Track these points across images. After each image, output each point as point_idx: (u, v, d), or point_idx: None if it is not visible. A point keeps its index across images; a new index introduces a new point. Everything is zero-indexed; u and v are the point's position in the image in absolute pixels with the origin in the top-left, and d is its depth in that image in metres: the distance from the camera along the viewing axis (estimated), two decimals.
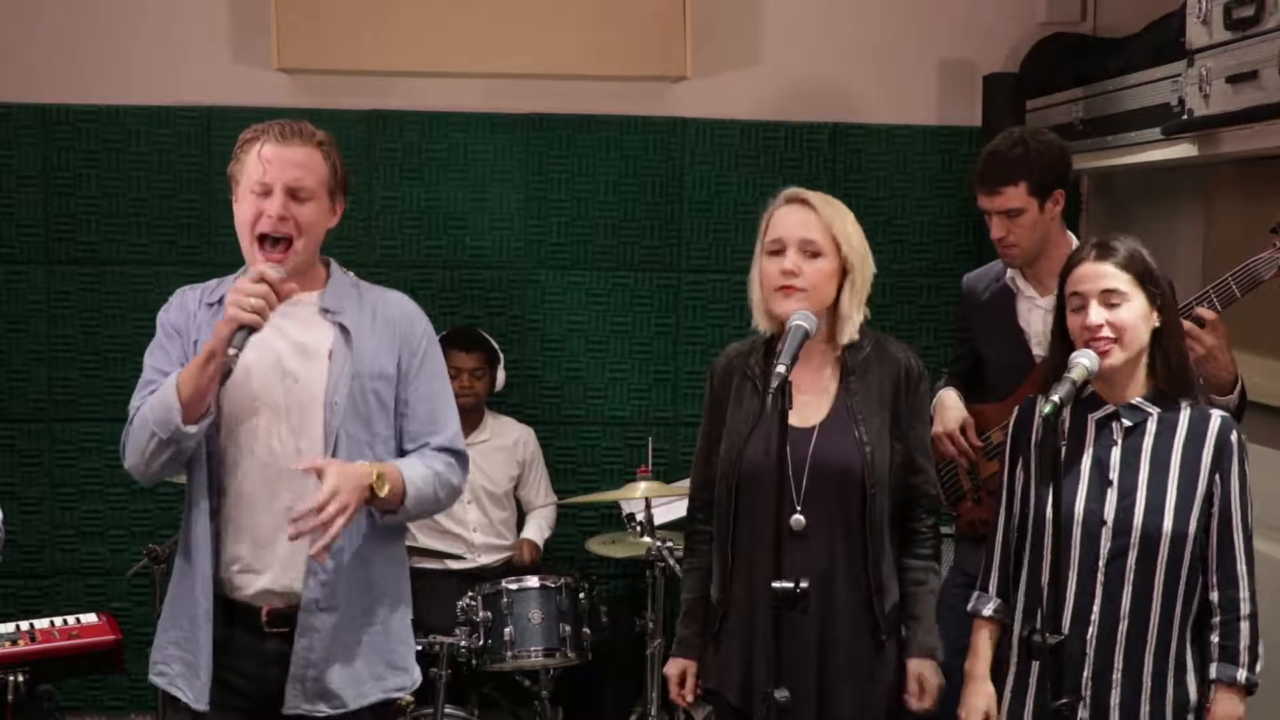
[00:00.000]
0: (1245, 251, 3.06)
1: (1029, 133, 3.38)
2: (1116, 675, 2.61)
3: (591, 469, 4.86)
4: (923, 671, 2.75)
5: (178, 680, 2.68)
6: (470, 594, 4.05)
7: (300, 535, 2.54)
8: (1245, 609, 2.60)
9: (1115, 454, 2.64)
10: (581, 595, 4.09)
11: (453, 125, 4.77)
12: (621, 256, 4.84)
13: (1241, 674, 2.59)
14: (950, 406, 3.47)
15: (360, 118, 4.72)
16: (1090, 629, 2.61)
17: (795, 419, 2.67)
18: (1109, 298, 2.60)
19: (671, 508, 4.36)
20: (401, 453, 2.77)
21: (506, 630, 3.98)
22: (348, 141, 4.70)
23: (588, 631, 4.07)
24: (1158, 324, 2.63)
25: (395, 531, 2.81)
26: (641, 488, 4.18)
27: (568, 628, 4.02)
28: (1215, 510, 2.61)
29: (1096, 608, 2.61)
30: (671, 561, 3.98)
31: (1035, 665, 2.67)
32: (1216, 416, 2.65)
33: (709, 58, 4.73)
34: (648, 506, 4.18)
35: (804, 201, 2.78)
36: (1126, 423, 2.65)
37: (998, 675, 2.77)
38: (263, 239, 2.63)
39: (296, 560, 2.63)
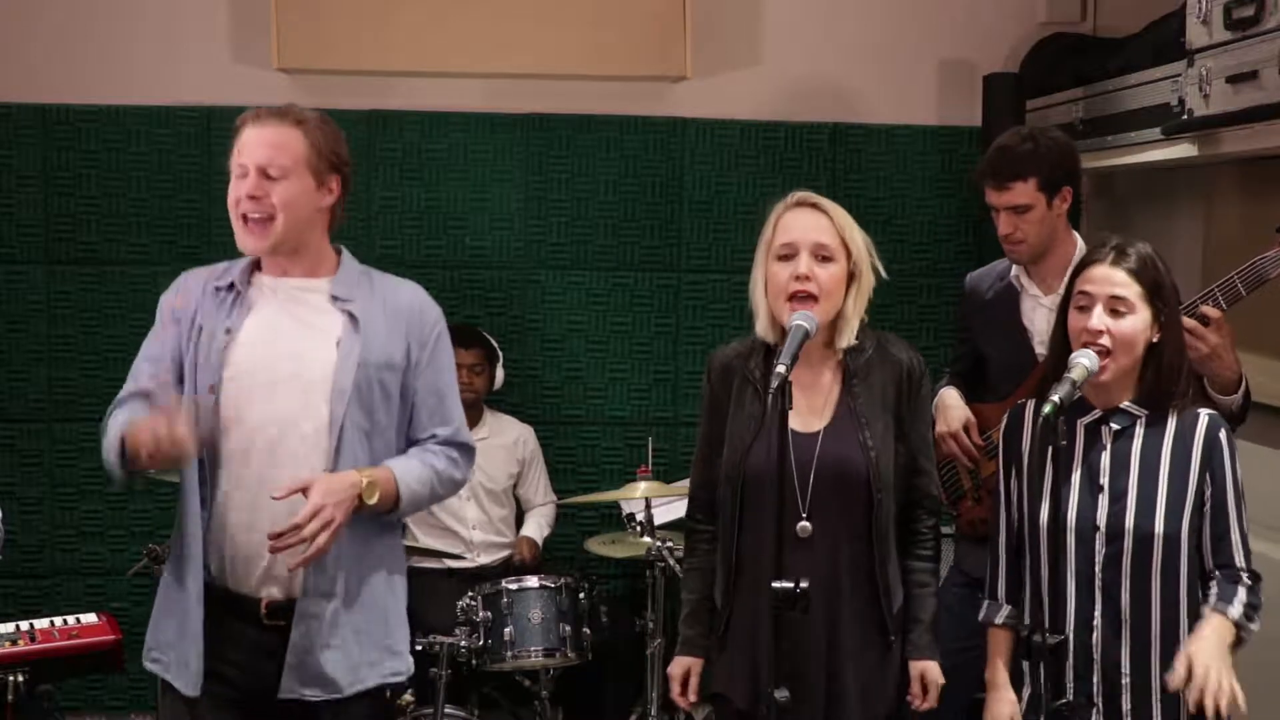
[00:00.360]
0: (1245, 251, 3.06)
1: (1038, 130, 3.38)
2: (1125, 679, 2.60)
3: (591, 469, 4.86)
4: (926, 672, 2.75)
5: (172, 667, 2.69)
6: (470, 594, 4.05)
7: (279, 551, 2.56)
8: (1246, 578, 2.59)
9: (1105, 459, 2.64)
10: (581, 595, 4.09)
11: (453, 125, 4.77)
12: (621, 256, 4.84)
13: (1235, 610, 2.55)
14: (952, 406, 3.48)
15: (360, 118, 4.72)
16: (1094, 635, 2.61)
17: (799, 425, 2.67)
18: (1115, 304, 2.59)
19: (671, 508, 4.35)
20: (407, 442, 2.78)
21: (506, 630, 3.98)
22: (348, 141, 4.69)
23: (588, 631, 4.07)
24: (1156, 339, 2.63)
25: (393, 520, 2.80)
26: (641, 488, 4.18)
27: (568, 628, 4.02)
28: (1208, 508, 2.60)
29: (1098, 613, 2.61)
30: (671, 561, 3.98)
31: (1026, 666, 2.68)
32: (1204, 416, 2.65)
33: (709, 58, 4.73)
34: (648, 506, 4.18)
35: (814, 205, 2.74)
36: (1115, 427, 2.65)
37: (1015, 682, 2.77)
38: (245, 219, 2.67)
39: (294, 551, 2.62)
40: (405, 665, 2.82)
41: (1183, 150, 3.69)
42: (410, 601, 2.88)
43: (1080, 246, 3.35)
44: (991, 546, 2.83)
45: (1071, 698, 2.56)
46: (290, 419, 2.65)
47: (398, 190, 4.77)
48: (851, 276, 2.73)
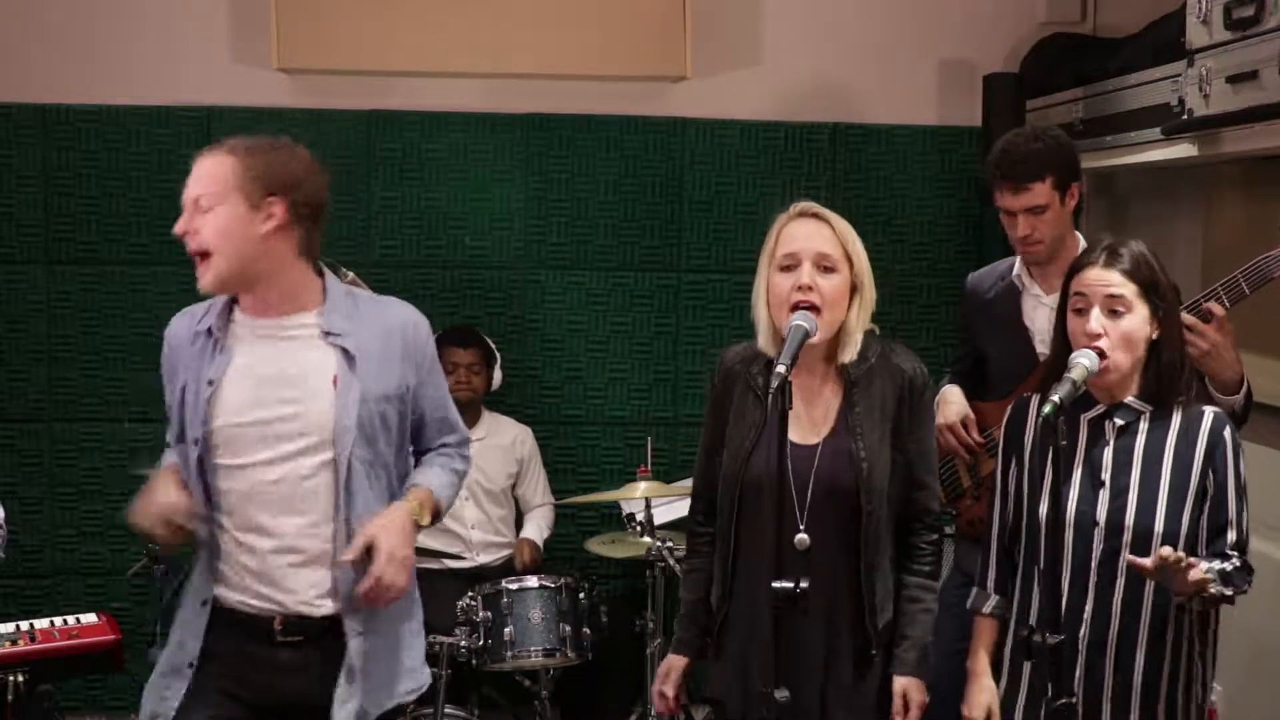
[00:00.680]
0: (1245, 251, 3.06)
1: (1039, 129, 3.37)
2: (1108, 676, 2.60)
3: (591, 469, 4.86)
4: (908, 690, 2.70)
5: (171, 700, 2.66)
6: (470, 594, 4.05)
7: (376, 604, 2.62)
8: (1237, 560, 2.55)
9: (1107, 454, 2.63)
10: (581, 595, 4.09)
11: (453, 125, 4.77)
12: (621, 256, 4.84)
13: (1224, 565, 2.50)
14: (952, 401, 3.48)
15: (360, 118, 4.72)
16: (1082, 629, 2.61)
17: (798, 437, 2.66)
18: (1112, 304, 2.59)
19: (671, 508, 4.35)
20: (414, 452, 2.82)
21: (506, 630, 3.98)
22: (348, 141, 4.71)
23: (588, 631, 4.07)
24: (1155, 336, 2.63)
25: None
26: (641, 488, 4.18)
27: (568, 628, 4.02)
28: (1209, 504, 2.60)
29: (1089, 608, 2.60)
30: (671, 561, 3.98)
31: (1026, 665, 2.68)
32: (1209, 413, 2.64)
33: (709, 58, 4.73)
34: (648, 506, 4.18)
35: (817, 215, 2.72)
36: (1119, 422, 2.64)
37: (995, 671, 2.77)
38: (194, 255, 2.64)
39: (301, 579, 2.64)
40: (424, 679, 2.85)
41: (1183, 150, 3.69)
42: None
43: (1082, 245, 3.34)
44: (984, 535, 2.83)
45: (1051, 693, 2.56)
46: (293, 461, 2.63)
47: (397, 190, 4.77)
48: (854, 288, 2.71)
